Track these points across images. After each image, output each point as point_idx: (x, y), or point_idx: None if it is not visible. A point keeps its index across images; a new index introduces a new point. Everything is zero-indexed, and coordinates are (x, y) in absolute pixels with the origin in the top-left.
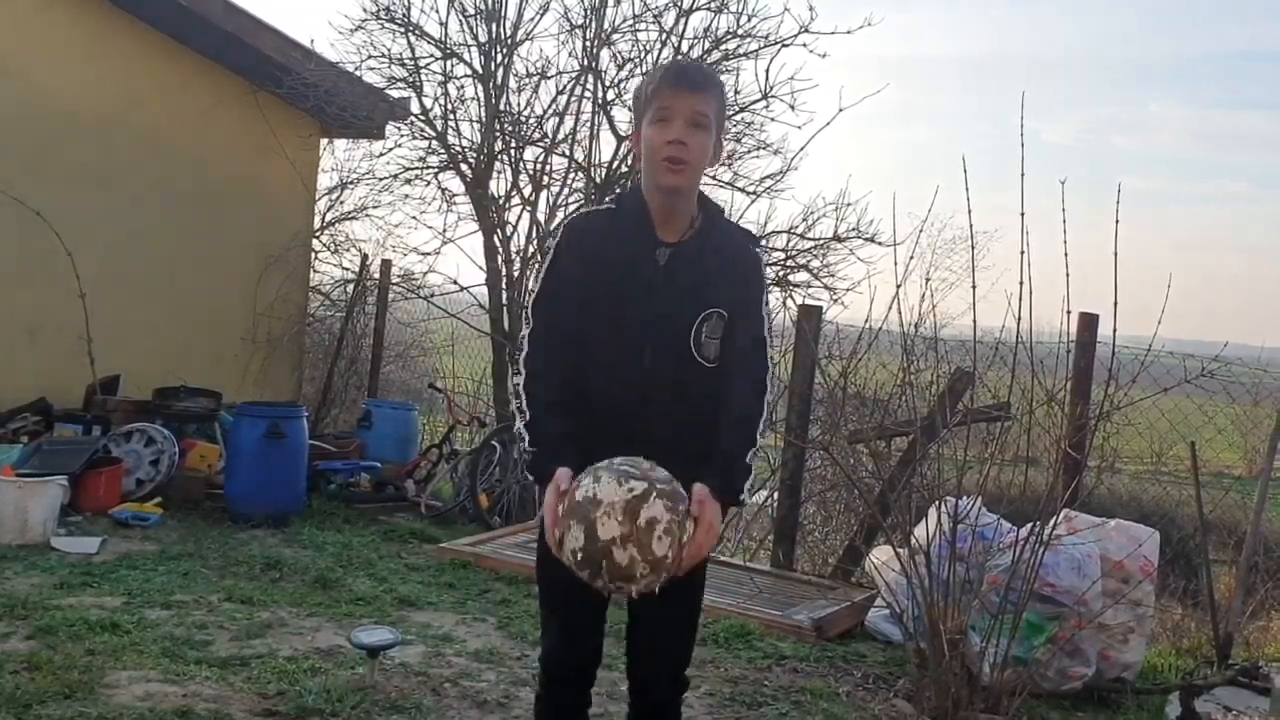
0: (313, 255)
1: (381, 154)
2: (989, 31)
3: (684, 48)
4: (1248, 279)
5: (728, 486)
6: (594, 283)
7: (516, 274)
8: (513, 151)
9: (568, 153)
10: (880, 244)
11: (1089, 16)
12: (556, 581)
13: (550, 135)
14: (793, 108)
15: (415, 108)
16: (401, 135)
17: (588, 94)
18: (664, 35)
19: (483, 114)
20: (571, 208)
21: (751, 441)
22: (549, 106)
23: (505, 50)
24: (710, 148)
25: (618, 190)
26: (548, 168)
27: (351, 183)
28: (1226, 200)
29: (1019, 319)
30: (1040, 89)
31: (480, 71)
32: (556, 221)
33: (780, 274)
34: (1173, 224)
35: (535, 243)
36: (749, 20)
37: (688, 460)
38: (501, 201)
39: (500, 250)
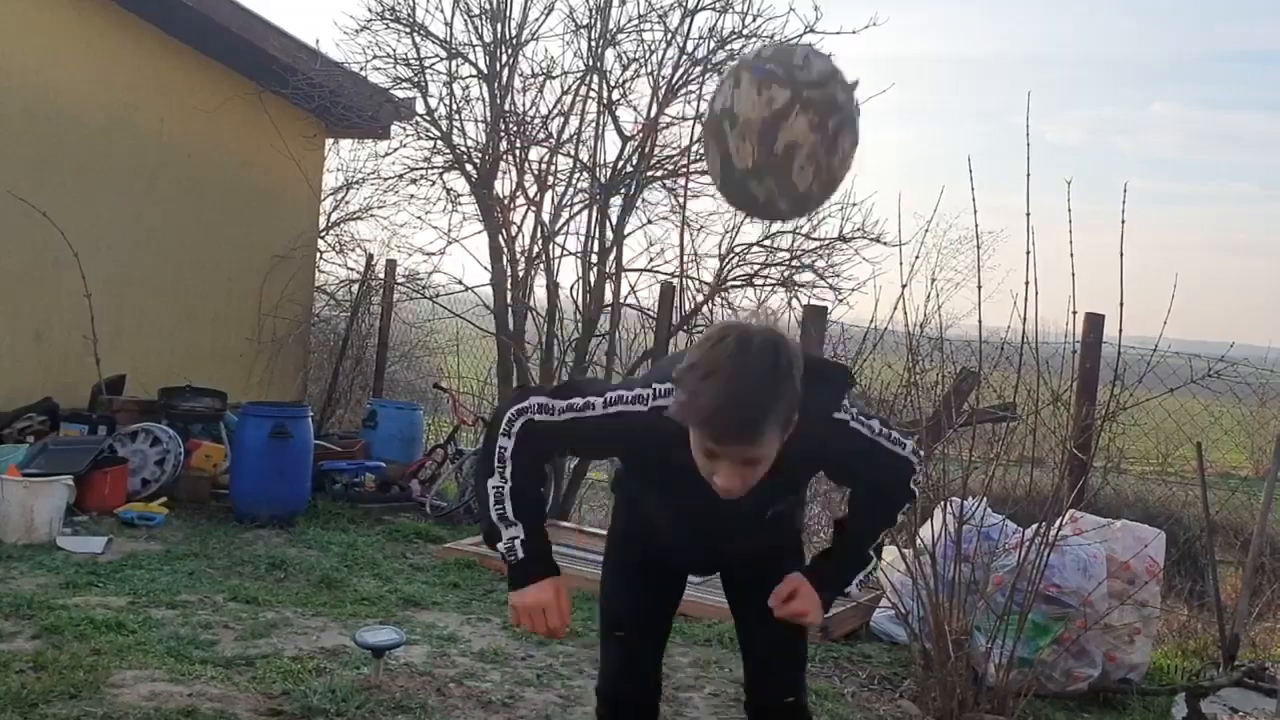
0: (318, 255)
1: (386, 154)
2: (989, 32)
3: (689, 47)
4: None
5: (832, 582)
6: (638, 467)
7: (521, 274)
8: (518, 152)
9: (573, 153)
10: (885, 244)
11: (1090, 17)
12: (617, 609)
13: (555, 135)
14: None
15: (420, 108)
16: (406, 135)
17: (593, 94)
18: (669, 35)
19: (488, 114)
20: (576, 208)
21: (876, 540)
22: (554, 106)
23: (510, 50)
24: (770, 462)
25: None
26: (553, 168)
27: (356, 183)
28: (1230, 200)
29: (1024, 319)
30: (1041, 89)
31: (485, 71)
32: (546, 238)
33: (785, 274)
34: (1176, 224)
35: (540, 242)
36: (754, 20)
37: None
38: (506, 201)
39: (505, 250)
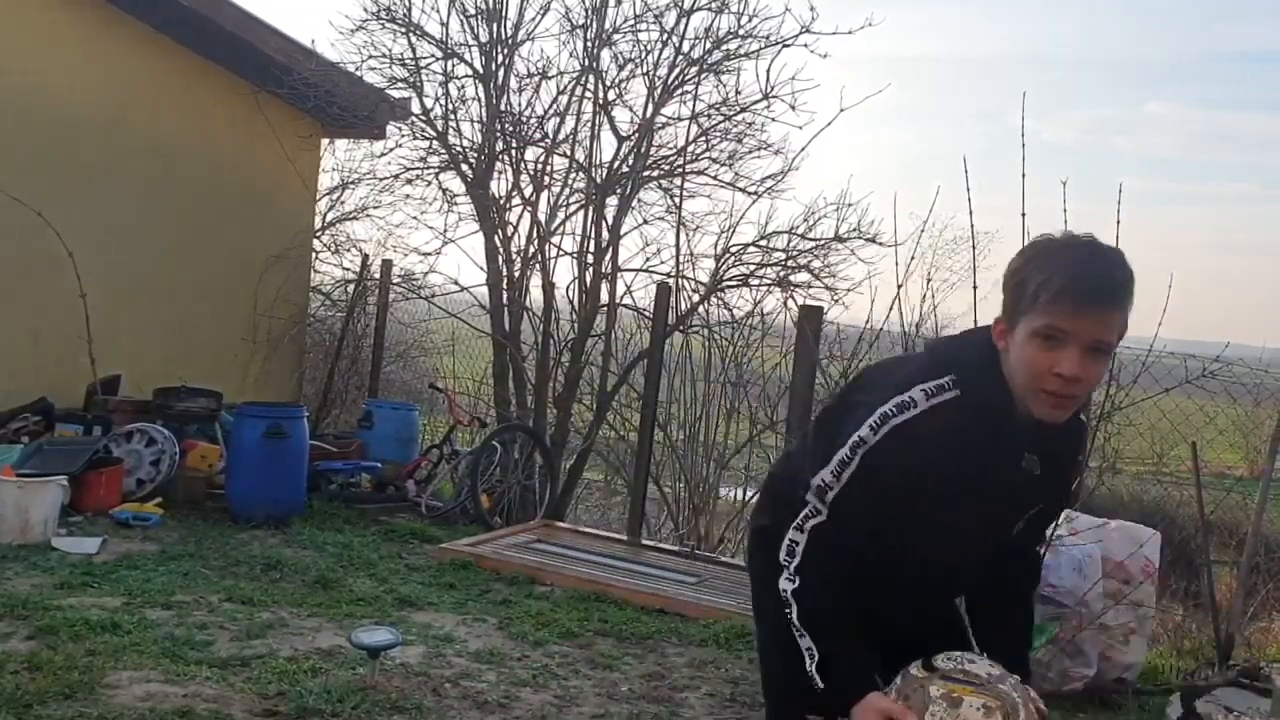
0: (313, 255)
1: (382, 154)
2: (989, 32)
3: (685, 48)
4: (1249, 279)
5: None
6: (921, 494)
7: (517, 274)
8: (514, 152)
9: (568, 153)
10: (881, 244)
11: (1090, 17)
12: None
13: (551, 135)
14: (794, 108)
15: (416, 108)
16: (402, 135)
17: (589, 94)
18: (665, 35)
19: (483, 114)
20: (572, 208)
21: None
22: (550, 107)
23: (506, 50)
24: (1110, 358)
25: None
26: (549, 168)
27: (352, 183)
28: (1227, 200)
29: None
30: (1038, 89)
31: (481, 71)
32: (542, 237)
33: (781, 274)
34: (1172, 224)
35: (536, 243)
36: (750, 20)
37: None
38: (502, 202)
39: (501, 250)
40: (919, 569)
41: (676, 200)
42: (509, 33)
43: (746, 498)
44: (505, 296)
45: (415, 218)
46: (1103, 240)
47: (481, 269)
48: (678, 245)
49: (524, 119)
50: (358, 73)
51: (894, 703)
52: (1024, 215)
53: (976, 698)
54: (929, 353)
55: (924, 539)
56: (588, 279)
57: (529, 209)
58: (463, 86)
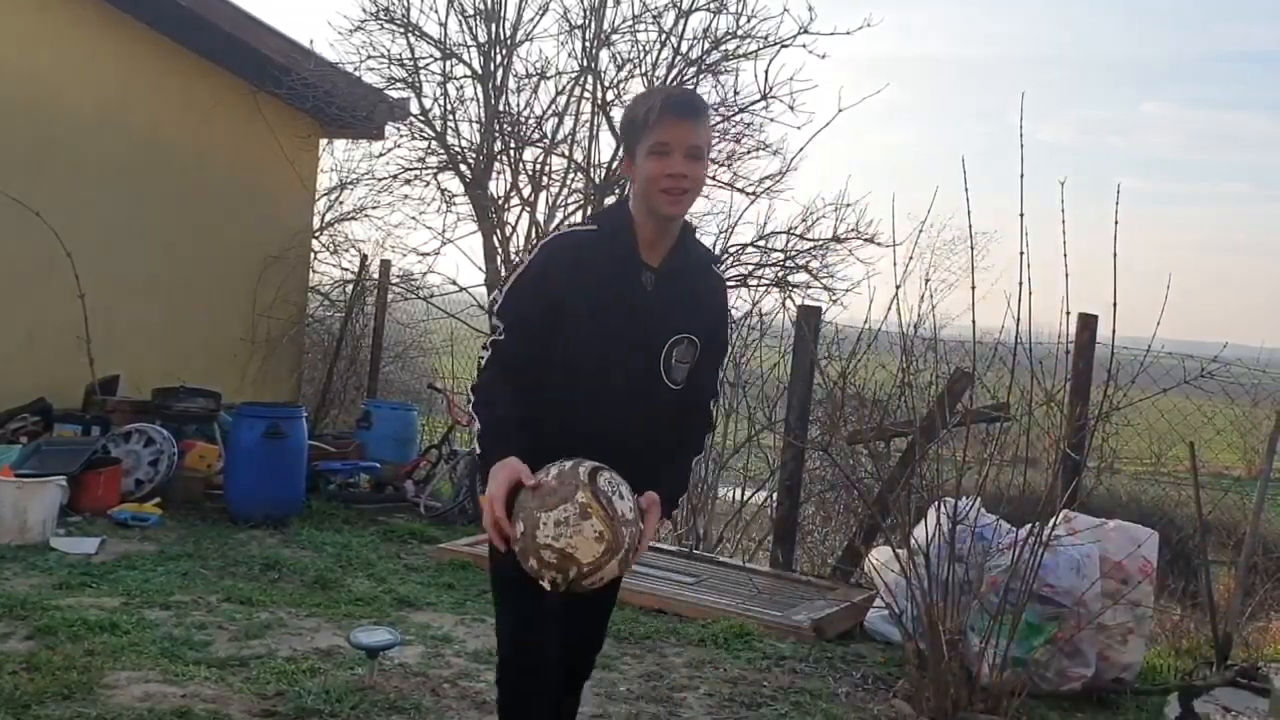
0: (312, 255)
1: (381, 154)
2: (984, 31)
3: (683, 48)
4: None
5: (668, 509)
6: (572, 304)
7: None
8: (512, 152)
9: (567, 153)
10: (879, 244)
11: (1083, 17)
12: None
13: (549, 135)
14: (792, 108)
15: (414, 108)
16: (401, 136)
17: (587, 94)
18: (663, 36)
19: (482, 114)
20: (570, 208)
21: (687, 478)
22: (548, 107)
23: (504, 51)
24: (706, 173)
25: (595, 208)
26: (547, 168)
27: (351, 183)
28: (1225, 200)
29: (1018, 320)
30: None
31: (479, 72)
32: (541, 237)
33: (779, 274)
34: (1169, 225)
35: (534, 243)
36: (748, 21)
37: (640, 473)
38: (501, 202)
39: (499, 251)
40: (591, 384)
41: None
42: (507, 33)
43: (745, 498)
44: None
45: (414, 218)
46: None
47: (480, 269)
48: None
49: (522, 119)
50: (356, 73)
51: (526, 471)
52: (1022, 215)
53: (602, 525)
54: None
55: (579, 350)
56: None
57: (527, 209)
58: (461, 87)
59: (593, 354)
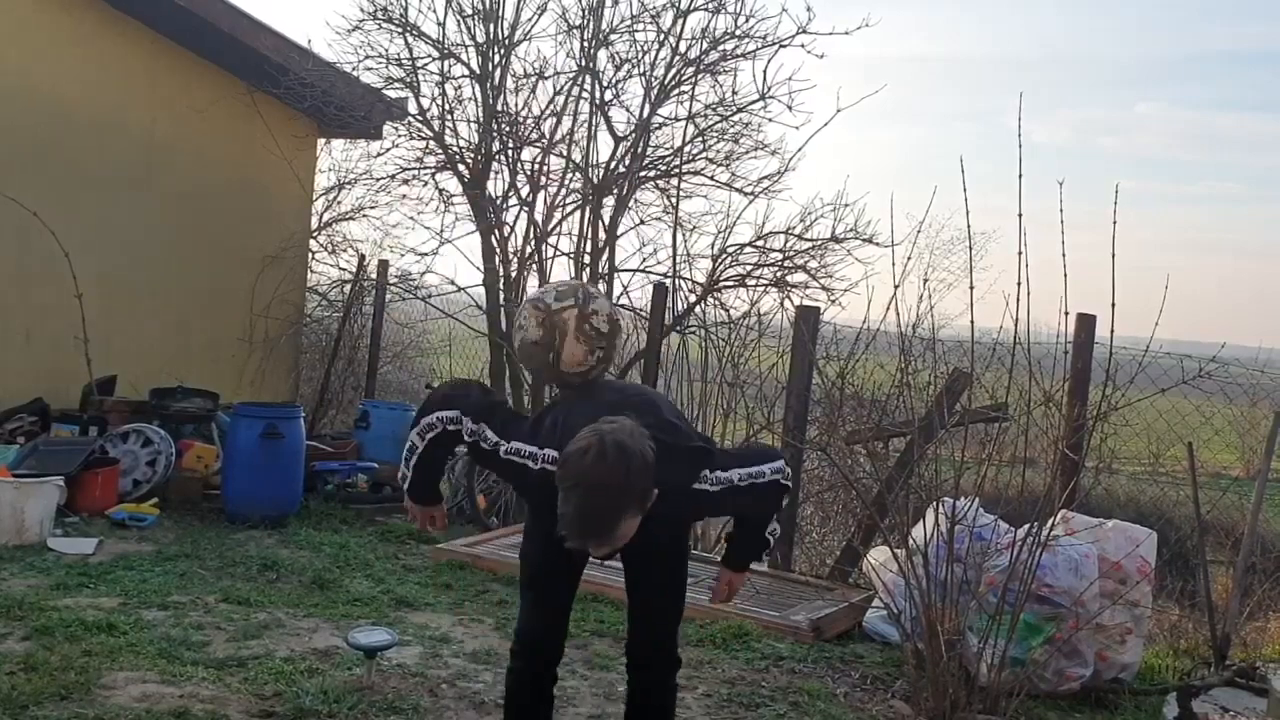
0: (310, 256)
1: (379, 154)
2: (979, 32)
3: (682, 48)
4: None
5: (746, 565)
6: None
7: (514, 275)
8: (510, 152)
9: (565, 153)
10: (878, 245)
11: (1078, 17)
12: (534, 560)
13: (547, 136)
14: (790, 108)
15: (413, 108)
16: (399, 135)
17: (585, 94)
18: (661, 36)
19: (480, 114)
20: (569, 208)
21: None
22: (546, 107)
23: (503, 50)
24: (631, 535)
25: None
26: (545, 168)
27: (349, 183)
28: (1220, 201)
29: (1016, 320)
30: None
31: (478, 72)
32: (539, 237)
33: (778, 274)
34: (1165, 225)
35: (532, 243)
36: (746, 21)
37: None
38: (499, 202)
39: (498, 251)
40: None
41: (673, 200)
42: (505, 33)
43: None
44: (502, 297)
45: (412, 218)
46: (606, 469)
47: (478, 269)
48: (674, 245)
49: (521, 119)
50: (354, 72)
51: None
52: (1020, 215)
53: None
54: (564, 454)
55: (544, 528)
56: (584, 279)
57: (526, 209)
58: (459, 87)
59: None
